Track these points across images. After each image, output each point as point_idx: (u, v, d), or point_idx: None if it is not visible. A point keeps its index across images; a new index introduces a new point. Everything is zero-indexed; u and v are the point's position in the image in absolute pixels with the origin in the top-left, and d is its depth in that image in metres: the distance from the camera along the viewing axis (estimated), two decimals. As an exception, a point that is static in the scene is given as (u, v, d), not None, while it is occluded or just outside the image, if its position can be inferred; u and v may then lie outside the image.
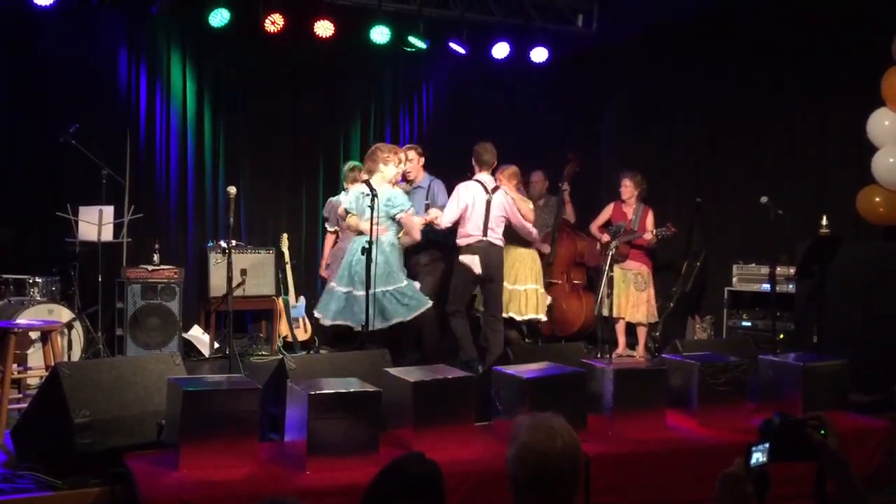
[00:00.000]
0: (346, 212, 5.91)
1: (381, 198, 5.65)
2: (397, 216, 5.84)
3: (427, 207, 6.59)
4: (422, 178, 6.90)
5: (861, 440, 4.40)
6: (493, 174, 6.59)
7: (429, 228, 6.40)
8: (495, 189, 6.49)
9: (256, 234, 8.31)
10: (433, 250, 6.83)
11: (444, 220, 6.30)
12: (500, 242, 6.50)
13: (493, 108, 9.11)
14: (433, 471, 2.23)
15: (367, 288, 5.33)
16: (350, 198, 5.96)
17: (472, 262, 6.29)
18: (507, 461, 2.21)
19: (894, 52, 6.08)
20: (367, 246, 5.35)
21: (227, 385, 3.81)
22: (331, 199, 6.58)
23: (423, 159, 6.93)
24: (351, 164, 6.66)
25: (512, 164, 6.92)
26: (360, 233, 5.76)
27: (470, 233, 6.37)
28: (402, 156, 6.12)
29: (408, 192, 6.64)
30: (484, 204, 6.39)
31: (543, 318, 7.21)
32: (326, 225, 6.58)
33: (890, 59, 6.14)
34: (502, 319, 6.61)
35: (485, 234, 6.38)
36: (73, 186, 7.14)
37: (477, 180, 6.50)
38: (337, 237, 6.68)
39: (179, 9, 7.34)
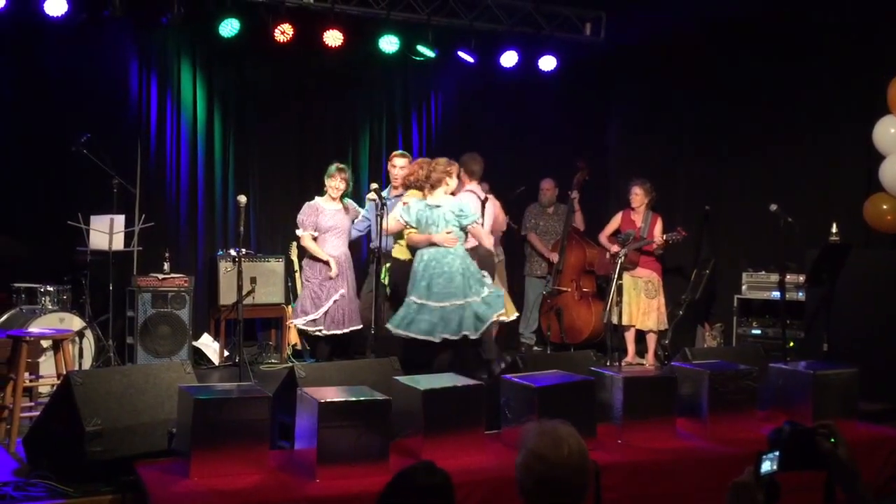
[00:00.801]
0: (408, 225, 5.86)
1: (453, 208, 5.76)
2: (469, 227, 5.84)
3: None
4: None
5: (872, 449, 4.38)
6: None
7: None
8: (486, 199, 6.50)
9: (266, 243, 8.33)
10: None
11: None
12: (492, 249, 6.54)
13: (502, 117, 9.12)
14: (444, 480, 2.23)
15: (376, 296, 5.39)
16: (413, 212, 5.86)
17: None
18: (515, 468, 2.21)
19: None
20: (379, 258, 5.42)
21: (237, 393, 3.82)
22: (308, 203, 6.50)
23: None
24: (338, 165, 6.61)
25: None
26: (433, 244, 5.75)
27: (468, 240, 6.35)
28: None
29: (388, 199, 6.63)
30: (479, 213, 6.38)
31: (505, 318, 6.93)
32: (301, 231, 6.43)
33: (897, 68, 6.15)
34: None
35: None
36: (84, 196, 7.17)
37: (470, 190, 6.48)
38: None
39: (190, 19, 7.38)
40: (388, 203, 6.12)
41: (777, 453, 2.05)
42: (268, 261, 7.77)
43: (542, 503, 2.17)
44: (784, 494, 2.03)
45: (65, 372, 4.48)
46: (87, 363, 6.25)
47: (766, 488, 2.01)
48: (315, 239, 6.46)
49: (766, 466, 2.02)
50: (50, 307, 6.35)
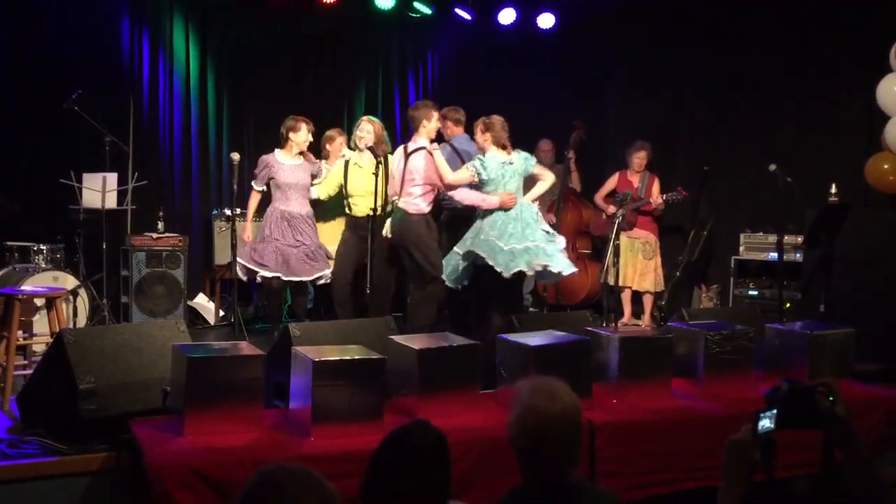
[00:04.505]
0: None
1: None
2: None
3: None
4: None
5: (867, 409, 4.39)
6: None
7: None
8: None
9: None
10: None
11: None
12: (407, 207, 5.91)
13: (499, 75, 9.02)
14: (438, 438, 2.22)
15: (371, 256, 5.37)
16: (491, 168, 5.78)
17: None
18: (509, 425, 2.21)
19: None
20: (371, 213, 5.38)
21: (231, 352, 3.80)
22: (264, 156, 6.29)
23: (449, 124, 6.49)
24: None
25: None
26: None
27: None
28: None
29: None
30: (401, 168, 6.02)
31: None
32: (254, 183, 6.25)
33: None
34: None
35: (400, 196, 6.00)
36: (76, 154, 7.09)
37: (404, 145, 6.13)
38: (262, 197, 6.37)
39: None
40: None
41: (774, 412, 2.03)
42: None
43: (535, 459, 2.17)
44: (781, 452, 2.02)
45: (58, 330, 4.45)
46: (81, 322, 6.23)
47: (762, 446, 2.00)
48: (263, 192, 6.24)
49: (764, 425, 2.01)
50: (43, 266, 6.32)
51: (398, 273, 6.17)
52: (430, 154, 5.84)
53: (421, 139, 5.94)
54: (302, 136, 6.09)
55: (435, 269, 5.80)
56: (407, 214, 5.85)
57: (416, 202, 5.86)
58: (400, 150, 6.14)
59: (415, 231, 5.82)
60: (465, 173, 5.83)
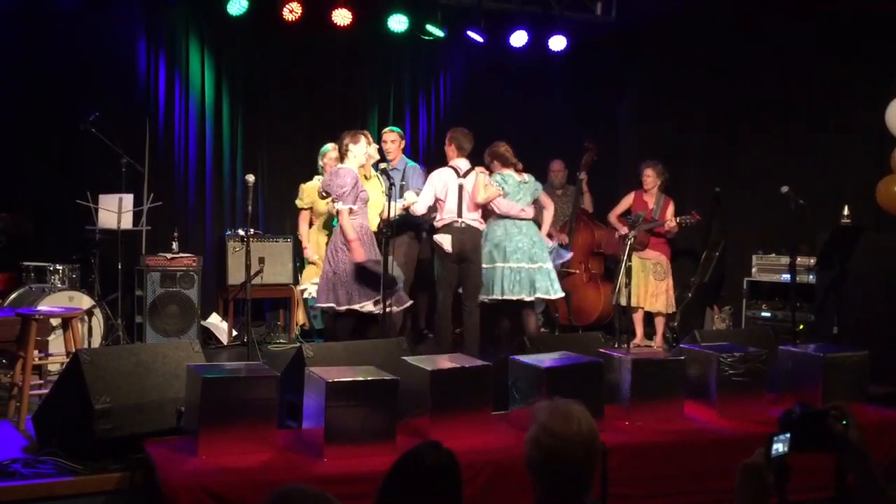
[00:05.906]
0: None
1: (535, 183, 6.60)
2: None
3: (402, 189, 6.57)
4: (398, 161, 6.91)
5: (881, 433, 4.36)
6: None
7: (406, 213, 6.49)
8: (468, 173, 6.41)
9: (274, 223, 8.32)
10: (409, 233, 6.87)
11: (418, 207, 6.44)
12: (477, 224, 6.40)
13: (511, 97, 9.06)
14: (449, 460, 2.23)
15: (385, 265, 5.43)
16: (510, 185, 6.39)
17: (444, 240, 6.29)
18: (525, 442, 2.22)
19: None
20: (386, 230, 5.44)
21: (245, 372, 3.83)
22: (345, 171, 6.19)
23: (403, 143, 7.04)
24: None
25: None
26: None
27: (444, 216, 6.37)
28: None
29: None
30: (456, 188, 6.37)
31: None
32: (346, 204, 6.12)
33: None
34: (478, 303, 6.39)
35: (459, 215, 6.33)
36: (92, 174, 7.17)
37: (451, 166, 6.45)
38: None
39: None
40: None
41: (788, 435, 2.03)
42: (276, 241, 7.76)
43: (549, 478, 2.17)
44: (794, 476, 2.02)
45: (74, 350, 4.49)
46: (96, 342, 6.28)
47: (776, 470, 2.00)
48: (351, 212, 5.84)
49: (777, 448, 2.01)
50: (59, 286, 6.37)
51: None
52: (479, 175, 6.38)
53: (464, 161, 6.44)
54: (361, 148, 6.02)
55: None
56: (477, 231, 6.38)
57: (480, 219, 6.42)
58: (446, 172, 6.41)
59: (480, 246, 6.41)
60: (492, 189, 6.32)
